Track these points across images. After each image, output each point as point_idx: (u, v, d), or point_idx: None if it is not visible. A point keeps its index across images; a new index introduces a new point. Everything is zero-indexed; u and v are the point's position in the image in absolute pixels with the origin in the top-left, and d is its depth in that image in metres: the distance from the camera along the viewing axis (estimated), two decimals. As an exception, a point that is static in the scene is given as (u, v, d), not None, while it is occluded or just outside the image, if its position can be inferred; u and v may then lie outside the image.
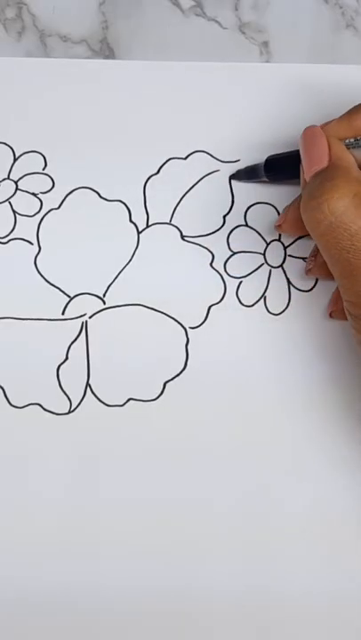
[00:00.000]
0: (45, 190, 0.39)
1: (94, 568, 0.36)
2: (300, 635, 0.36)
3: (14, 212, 0.39)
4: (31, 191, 0.39)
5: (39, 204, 0.39)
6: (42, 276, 0.38)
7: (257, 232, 0.39)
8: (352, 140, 0.33)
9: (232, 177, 0.39)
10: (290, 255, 0.38)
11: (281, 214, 0.37)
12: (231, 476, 0.37)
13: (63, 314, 0.38)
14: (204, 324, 0.38)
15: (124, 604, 0.36)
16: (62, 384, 0.38)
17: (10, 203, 0.39)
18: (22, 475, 0.37)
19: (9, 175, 0.39)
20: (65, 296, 0.38)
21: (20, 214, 0.39)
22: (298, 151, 0.34)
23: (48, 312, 0.38)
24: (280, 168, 0.37)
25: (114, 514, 0.36)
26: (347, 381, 0.37)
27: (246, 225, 0.39)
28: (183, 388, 0.37)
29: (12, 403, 0.38)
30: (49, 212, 0.39)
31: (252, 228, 0.39)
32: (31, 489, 0.37)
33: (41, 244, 0.39)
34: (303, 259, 0.38)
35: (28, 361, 0.38)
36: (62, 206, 0.39)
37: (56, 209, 0.39)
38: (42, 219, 0.39)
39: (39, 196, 0.39)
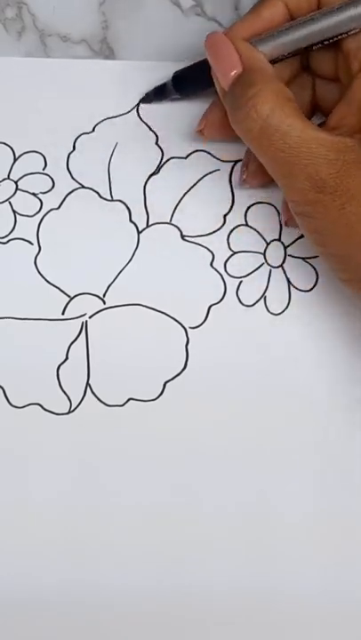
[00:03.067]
0: (45, 190, 0.39)
1: (94, 567, 0.36)
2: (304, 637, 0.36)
3: (14, 211, 0.39)
4: (31, 191, 0.39)
5: (39, 204, 0.39)
6: (42, 275, 0.38)
7: (257, 232, 0.39)
8: (257, 38, 0.33)
9: (141, 101, 0.39)
10: (290, 255, 0.38)
11: (200, 119, 0.37)
12: (231, 476, 0.37)
13: (63, 314, 0.38)
14: (204, 324, 0.38)
15: (123, 603, 0.36)
16: (62, 384, 0.38)
17: (10, 203, 0.39)
18: (22, 475, 0.37)
19: (9, 175, 0.39)
20: (65, 296, 0.38)
21: (20, 214, 0.39)
22: (204, 60, 0.34)
23: (48, 312, 0.38)
24: (189, 81, 0.37)
25: (114, 514, 0.36)
26: (348, 381, 0.37)
27: (246, 225, 0.39)
28: (183, 387, 0.37)
29: (12, 403, 0.38)
30: (49, 212, 0.39)
31: (252, 227, 0.39)
32: (31, 489, 0.37)
33: (41, 244, 0.39)
34: (303, 259, 0.38)
35: (27, 361, 0.38)
36: (62, 206, 0.39)
37: (56, 209, 0.39)
38: (42, 219, 0.39)
39: (39, 196, 0.39)
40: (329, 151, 0.30)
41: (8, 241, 0.39)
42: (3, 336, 0.38)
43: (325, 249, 0.32)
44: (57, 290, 0.38)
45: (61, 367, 0.38)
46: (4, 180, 0.39)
